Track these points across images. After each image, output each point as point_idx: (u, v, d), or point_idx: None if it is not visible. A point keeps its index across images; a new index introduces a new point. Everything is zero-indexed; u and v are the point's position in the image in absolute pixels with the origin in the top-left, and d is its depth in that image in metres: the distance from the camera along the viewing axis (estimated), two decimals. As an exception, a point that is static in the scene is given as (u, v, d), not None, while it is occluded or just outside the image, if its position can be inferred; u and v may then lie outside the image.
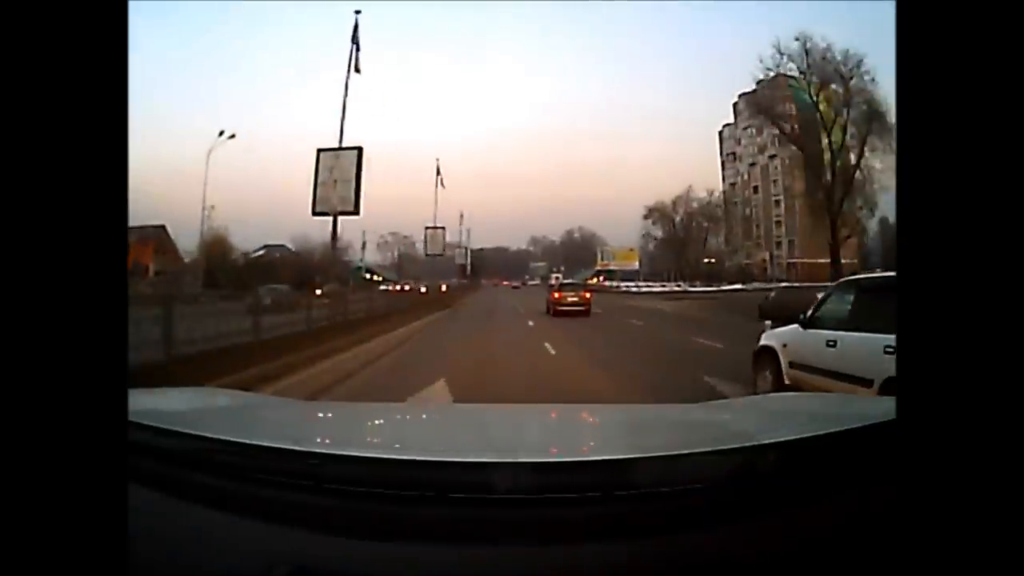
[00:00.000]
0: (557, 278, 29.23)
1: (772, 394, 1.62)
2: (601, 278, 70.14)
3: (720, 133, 72.71)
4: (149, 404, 1.18)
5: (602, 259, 74.53)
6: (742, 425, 1.32)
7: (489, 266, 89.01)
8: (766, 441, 0.96)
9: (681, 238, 65.91)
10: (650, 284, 59.71)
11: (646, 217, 67.95)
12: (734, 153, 70.30)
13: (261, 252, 48.41)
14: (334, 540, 0.80)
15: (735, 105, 66.77)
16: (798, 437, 0.96)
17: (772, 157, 63.49)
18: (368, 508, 0.82)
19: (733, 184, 69.47)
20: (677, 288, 53.05)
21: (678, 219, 66.51)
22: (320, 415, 1.68)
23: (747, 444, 0.96)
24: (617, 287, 59.37)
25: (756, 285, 47.72)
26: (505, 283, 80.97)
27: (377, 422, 1.50)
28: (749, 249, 66.66)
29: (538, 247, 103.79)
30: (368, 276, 47.94)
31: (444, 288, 35.74)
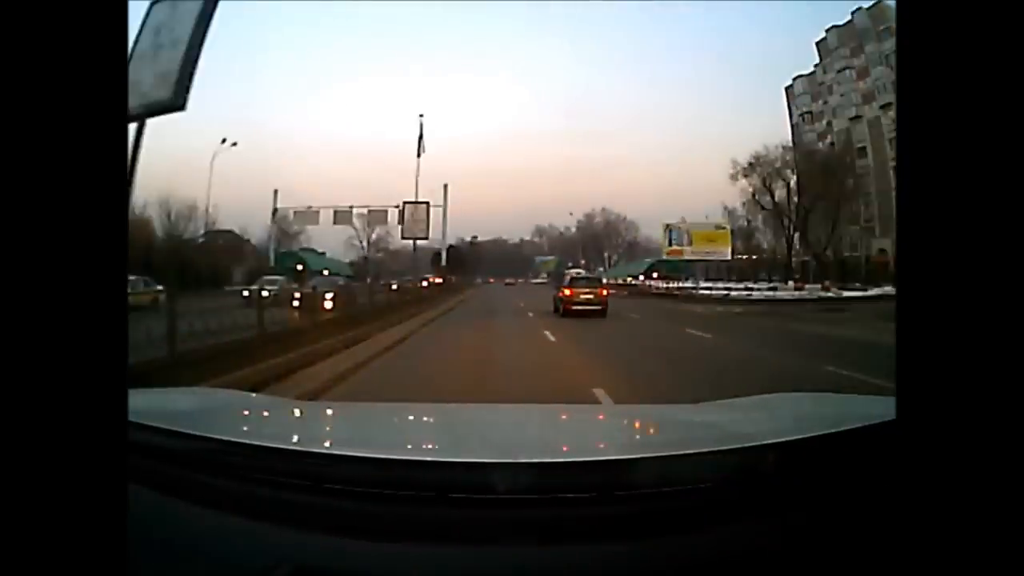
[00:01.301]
0: (579, 273, 22.37)
1: (772, 394, 1.62)
2: (654, 275, 47.70)
3: (789, 89, 51.11)
4: (149, 404, 1.18)
5: (670, 243, 44.45)
6: (742, 425, 1.32)
7: (486, 261, 77.78)
8: (766, 441, 0.96)
9: (802, 211, 39.29)
10: (773, 286, 34.41)
11: (738, 176, 41.12)
12: (810, 112, 49.33)
13: (201, 239, 39.76)
14: (334, 540, 0.80)
15: (821, 44, 47.58)
16: (798, 437, 0.96)
17: (886, 107, 40.82)
18: (368, 508, 0.82)
19: (813, 152, 44.96)
20: (827, 294, 28.88)
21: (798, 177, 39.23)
22: (320, 415, 1.68)
23: (747, 444, 0.96)
24: (698, 290, 35.59)
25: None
26: (492, 280, 69.54)
27: (377, 422, 1.50)
28: (855, 236, 43.17)
29: (545, 238, 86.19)
30: (300, 268, 36.31)
31: (397, 287, 20.74)
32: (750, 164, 41.29)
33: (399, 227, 36.51)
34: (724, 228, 44.37)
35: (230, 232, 44.54)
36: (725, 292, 32.87)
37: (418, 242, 38.92)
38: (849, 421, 1.03)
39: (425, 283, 29.69)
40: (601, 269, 57.15)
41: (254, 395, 2.13)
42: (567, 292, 17.65)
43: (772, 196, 41.67)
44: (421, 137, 36.38)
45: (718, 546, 0.80)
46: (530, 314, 18.15)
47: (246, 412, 1.47)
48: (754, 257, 46.82)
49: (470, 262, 70.29)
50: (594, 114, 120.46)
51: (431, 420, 1.50)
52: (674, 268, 45.95)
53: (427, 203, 34.83)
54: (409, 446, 1.21)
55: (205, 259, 31.50)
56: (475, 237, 77.37)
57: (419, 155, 35.94)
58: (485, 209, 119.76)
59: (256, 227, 47.37)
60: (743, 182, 41.85)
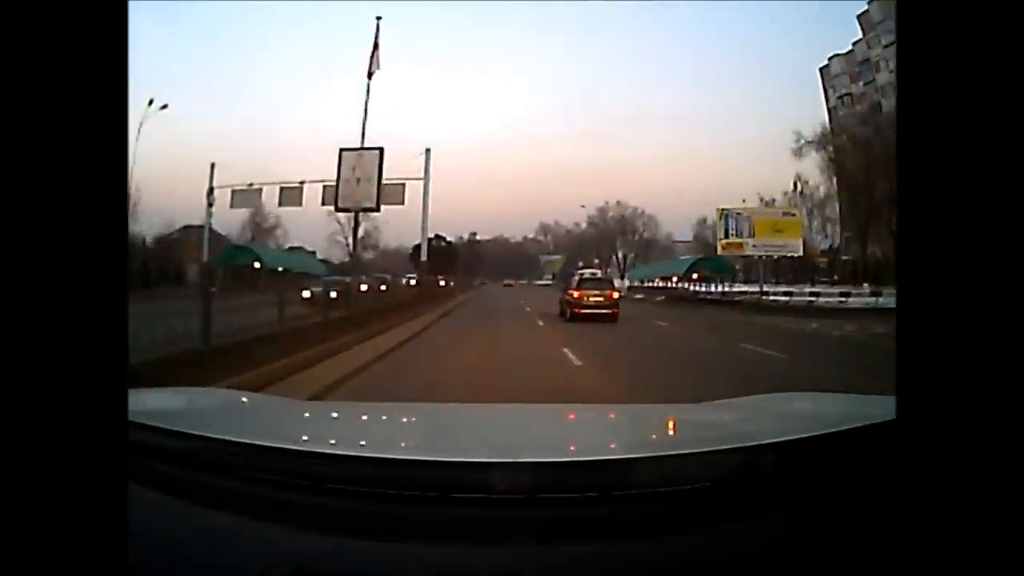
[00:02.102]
0: (594, 274, 18.75)
1: (772, 394, 1.63)
2: (694, 277, 36.85)
3: (824, 70, 45.42)
4: (149, 404, 1.18)
5: (726, 233, 33.01)
6: (742, 425, 1.32)
7: (487, 260, 72.94)
8: (766, 441, 0.96)
9: (883, 192, 29.59)
10: (877, 290, 23.87)
11: (802, 152, 35.47)
12: (850, 93, 43.18)
13: (175, 235, 34.45)
14: (334, 540, 0.80)
15: (862, 17, 41.21)
16: (798, 437, 0.96)
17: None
18: (368, 508, 0.82)
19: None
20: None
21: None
22: (321, 415, 1.68)
23: (747, 444, 0.96)
24: (766, 296, 27.98)
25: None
26: (487, 282, 64.08)
27: (377, 422, 1.50)
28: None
29: (550, 237, 78.30)
30: (257, 267, 28.05)
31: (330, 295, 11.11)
32: (824, 134, 33.68)
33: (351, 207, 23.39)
34: (792, 214, 33.96)
35: (202, 228, 39.76)
36: (809, 299, 24.83)
37: (415, 240, 31.42)
38: (849, 421, 1.03)
39: (383, 286, 18.60)
40: (610, 269, 46.62)
41: (254, 395, 2.13)
42: (575, 294, 16.01)
43: (841, 175, 33.90)
44: (376, 48, 23.63)
45: (718, 546, 0.80)
46: (567, 352, 9.18)
47: (246, 412, 1.47)
48: (824, 252, 38.55)
49: (469, 261, 65.61)
50: (603, 104, 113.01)
51: (432, 420, 1.50)
52: (718, 268, 35.84)
53: (379, 150, 20.23)
54: (409, 446, 1.21)
55: (170, 257, 27.28)
56: (474, 234, 71.38)
57: (371, 75, 23.64)
58: (485, 206, 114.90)
59: (234, 222, 41.46)
60: (814, 156, 34.48)
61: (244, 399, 1.78)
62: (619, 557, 0.78)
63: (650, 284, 42.96)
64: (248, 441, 0.94)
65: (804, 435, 0.96)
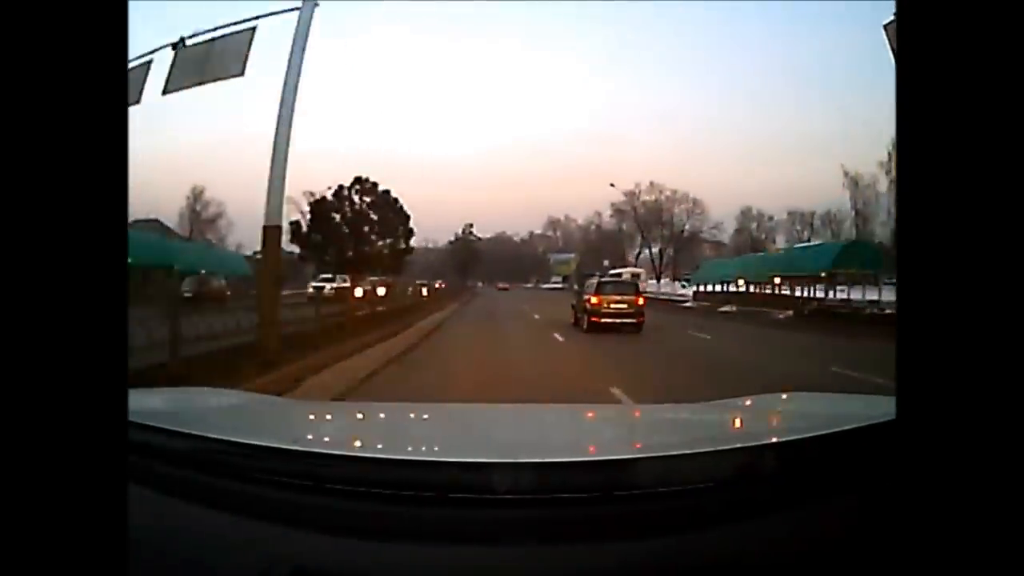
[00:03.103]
0: (635, 275, 16.41)
1: (772, 394, 1.63)
2: (822, 274, 22.82)
3: (889, 27, 21.18)
4: (149, 404, 1.18)
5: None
6: (742, 425, 1.33)
7: (486, 260, 64.77)
8: (766, 441, 0.96)
9: None
10: None
11: None
12: None
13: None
14: (334, 540, 0.80)
15: None
16: (798, 437, 0.96)
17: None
18: (368, 508, 0.82)
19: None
20: None
21: None
22: (320, 415, 1.68)
23: (747, 444, 0.96)
24: None
25: None
26: (481, 284, 59.56)
27: (377, 422, 1.50)
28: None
29: (559, 233, 70.10)
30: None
31: None
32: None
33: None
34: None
35: (155, 221, 33.39)
36: None
37: (432, 244, 24.17)
38: (849, 421, 1.03)
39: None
40: (635, 270, 34.71)
41: (254, 395, 2.13)
42: (593, 300, 14.17)
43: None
44: None
45: (718, 546, 0.80)
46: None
47: (246, 412, 1.47)
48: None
49: (465, 260, 59.25)
50: (613, 91, 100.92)
51: (432, 420, 1.50)
52: (870, 261, 22.74)
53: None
54: (410, 446, 1.21)
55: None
56: (470, 226, 60.79)
57: None
58: (484, 200, 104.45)
59: (172, 211, 36.03)
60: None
61: (244, 399, 1.78)
62: (620, 557, 0.78)
63: (724, 289, 29.30)
64: (248, 441, 0.94)
65: (804, 435, 0.96)
